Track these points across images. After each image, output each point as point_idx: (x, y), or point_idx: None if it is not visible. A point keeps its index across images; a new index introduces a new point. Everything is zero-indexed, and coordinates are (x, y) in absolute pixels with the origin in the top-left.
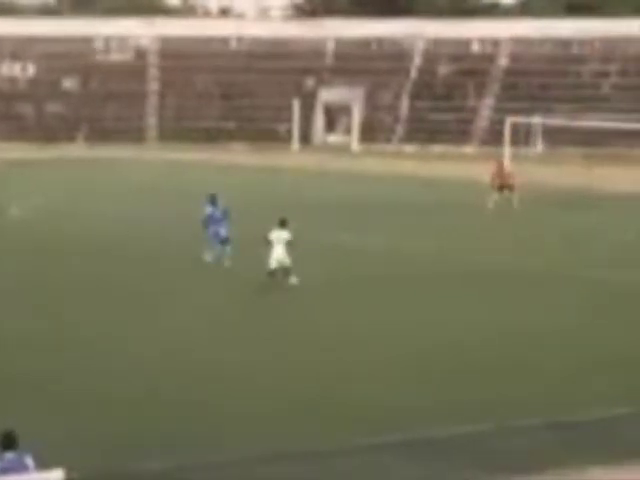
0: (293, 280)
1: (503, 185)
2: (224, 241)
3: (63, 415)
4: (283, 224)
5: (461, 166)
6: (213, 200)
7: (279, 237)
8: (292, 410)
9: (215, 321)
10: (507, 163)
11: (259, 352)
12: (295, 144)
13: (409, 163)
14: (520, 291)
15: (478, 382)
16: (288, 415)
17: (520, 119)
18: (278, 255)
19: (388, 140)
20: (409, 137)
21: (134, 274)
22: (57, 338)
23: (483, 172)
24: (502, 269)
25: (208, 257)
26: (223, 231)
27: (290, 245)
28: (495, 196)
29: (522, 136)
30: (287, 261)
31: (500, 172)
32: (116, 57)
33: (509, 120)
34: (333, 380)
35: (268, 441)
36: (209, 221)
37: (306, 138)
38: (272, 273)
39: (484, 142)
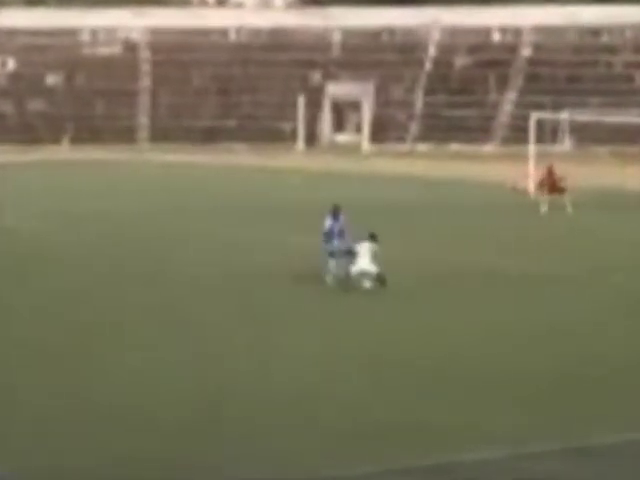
0: (367, 284)
1: (554, 189)
2: (332, 254)
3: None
4: (373, 238)
5: (481, 166)
6: (336, 212)
7: (366, 248)
8: (297, 428)
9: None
10: (528, 164)
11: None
12: (300, 144)
13: (424, 163)
14: (550, 296)
15: (494, 397)
16: (300, 434)
17: (545, 114)
18: (363, 264)
19: (401, 139)
20: (424, 135)
21: (138, 286)
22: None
23: (506, 173)
24: (529, 274)
25: (329, 279)
26: (336, 243)
27: (375, 256)
28: (546, 199)
29: (548, 133)
30: (374, 268)
31: (550, 176)
32: (104, 51)
33: (533, 116)
34: (354, 397)
35: (277, 463)
36: (330, 235)
37: (312, 137)
38: (347, 277)
39: (506, 140)
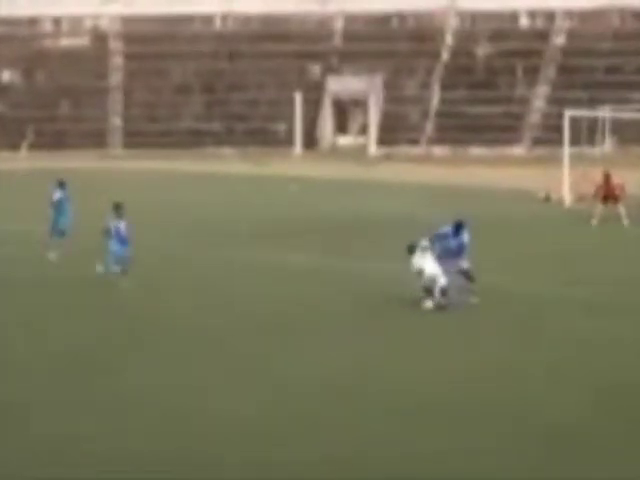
0: (428, 304)
1: (607, 196)
2: (463, 273)
3: None
4: (460, 227)
5: (507, 172)
6: (459, 227)
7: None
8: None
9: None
10: (562, 169)
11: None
12: (297, 148)
13: (440, 169)
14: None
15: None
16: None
17: (582, 111)
18: (429, 269)
19: (414, 141)
20: (441, 137)
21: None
22: None
23: (537, 180)
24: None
25: (443, 301)
26: (464, 264)
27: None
28: (599, 209)
29: (585, 133)
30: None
31: (607, 183)
32: (69, 42)
33: (568, 113)
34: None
35: None
36: (451, 253)
37: (311, 140)
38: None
39: (536, 141)
